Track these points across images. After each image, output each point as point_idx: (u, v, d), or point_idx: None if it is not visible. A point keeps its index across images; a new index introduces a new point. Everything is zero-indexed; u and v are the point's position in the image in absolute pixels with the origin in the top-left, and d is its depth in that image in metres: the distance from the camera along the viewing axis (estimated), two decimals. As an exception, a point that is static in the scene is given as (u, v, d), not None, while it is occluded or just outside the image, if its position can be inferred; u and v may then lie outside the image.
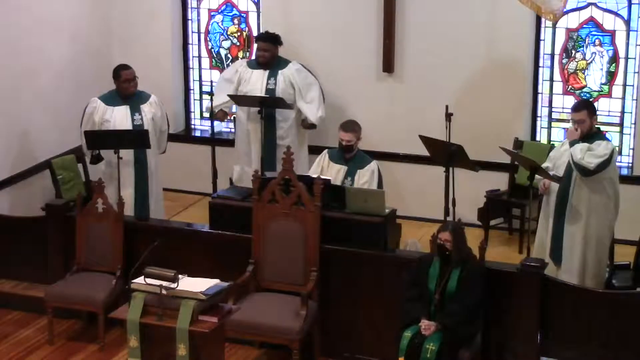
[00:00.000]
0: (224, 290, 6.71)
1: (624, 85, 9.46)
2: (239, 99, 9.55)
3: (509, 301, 7.36)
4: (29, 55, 9.54)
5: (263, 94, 9.48)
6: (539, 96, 9.72)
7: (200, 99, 10.82)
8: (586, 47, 9.54)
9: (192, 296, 6.48)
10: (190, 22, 10.72)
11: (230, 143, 10.06)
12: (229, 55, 10.67)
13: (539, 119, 9.77)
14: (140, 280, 6.61)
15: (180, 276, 6.53)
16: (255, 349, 7.94)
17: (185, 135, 10.82)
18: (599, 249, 8.07)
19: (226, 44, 10.68)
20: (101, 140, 8.82)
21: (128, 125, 8.98)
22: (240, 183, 9.52)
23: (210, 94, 9.67)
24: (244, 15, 10.59)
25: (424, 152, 8.92)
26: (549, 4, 8.64)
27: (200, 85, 10.85)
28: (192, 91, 10.90)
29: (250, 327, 7.46)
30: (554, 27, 9.54)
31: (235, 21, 10.62)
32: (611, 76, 9.49)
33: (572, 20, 9.52)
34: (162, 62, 10.61)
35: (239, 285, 7.58)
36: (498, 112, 9.60)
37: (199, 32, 10.74)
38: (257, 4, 10.47)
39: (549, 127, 9.76)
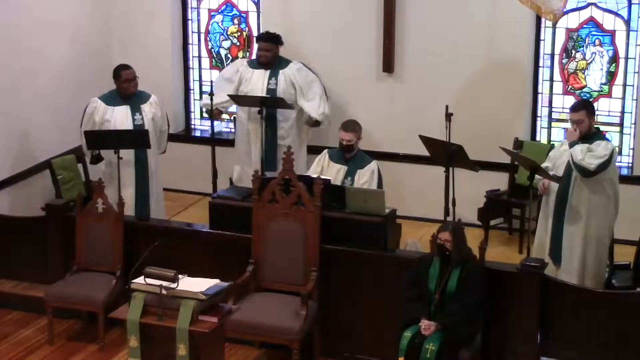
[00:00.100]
0: (224, 290, 6.71)
1: (624, 85, 9.45)
2: (240, 99, 9.54)
3: (509, 301, 7.36)
4: (29, 55, 9.53)
5: (264, 94, 9.47)
6: (539, 96, 9.72)
7: (200, 99, 10.81)
8: (586, 47, 9.53)
9: (192, 296, 6.48)
10: (190, 22, 10.72)
11: (230, 143, 10.05)
12: (229, 55, 10.67)
13: (539, 119, 9.76)
14: (140, 280, 6.60)
15: (180, 276, 6.53)
16: (255, 349, 7.93)
17: (185, 135, 10.81)
18: (599, 249, 8.06)
19: (226, 44, 10.67)
20: (101, 140, 8.82)
21: (128, 125, 8.98)
22: (240, 183, 9.51)
23: (211, 93, 9.66)
24: (244, 15, 10.59)
25: (424, 152, 8.92)
26: (549, 4, 8.64)
27: (200, 85, 10.84)
28: (192, 91, 10.90)
29: (250, 327, 7.46)
30: (554, 27, 9.53)
31: (235, 21, 10.62)
32: (611, 76, 9.48)
33: (572, 20, 9.52)
34: (162, 62, 10.61)
35: (239, 285, 7.58)
36: (498, 112, 9.59)
37: (199, 32, 10.73)
38: (257, 4, 10.47)
39: (549, 127, 9.76)
